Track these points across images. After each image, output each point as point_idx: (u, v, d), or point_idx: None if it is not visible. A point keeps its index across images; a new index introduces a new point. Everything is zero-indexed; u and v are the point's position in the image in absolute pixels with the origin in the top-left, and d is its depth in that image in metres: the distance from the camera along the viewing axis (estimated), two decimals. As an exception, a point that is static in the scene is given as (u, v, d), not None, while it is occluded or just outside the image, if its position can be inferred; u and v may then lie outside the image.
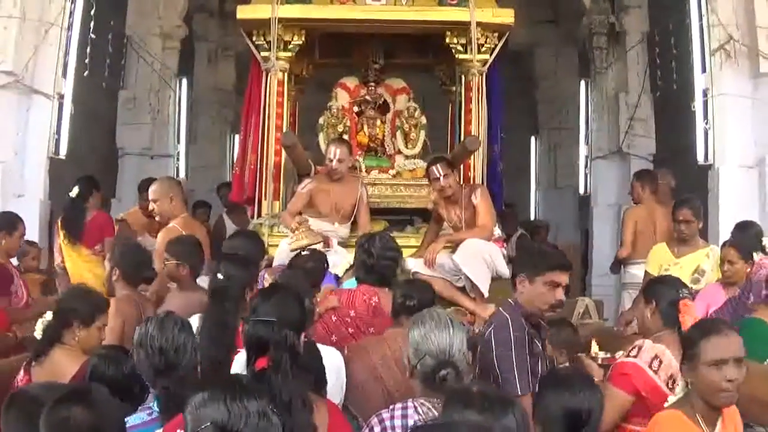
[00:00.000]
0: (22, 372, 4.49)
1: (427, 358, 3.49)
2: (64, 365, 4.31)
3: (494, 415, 2.84)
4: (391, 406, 3.50)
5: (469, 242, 6.97)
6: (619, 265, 8.64)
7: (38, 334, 4.59)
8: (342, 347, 4.72)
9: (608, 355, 4.77)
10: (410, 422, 3.36)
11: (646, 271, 7.31)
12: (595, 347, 5.63)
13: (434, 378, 3.46)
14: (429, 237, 7.52)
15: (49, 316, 4.58)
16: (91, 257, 7.56)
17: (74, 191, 7.65)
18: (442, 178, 7.09)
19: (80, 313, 4.57)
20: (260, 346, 3.26)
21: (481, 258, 6.93)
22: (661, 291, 4.40)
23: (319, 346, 4.33)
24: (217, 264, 4.81)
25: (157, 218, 7.02)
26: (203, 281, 5.60)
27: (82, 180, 7.91)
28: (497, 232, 7.36)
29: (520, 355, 4.12)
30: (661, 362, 4.14)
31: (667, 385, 4.09)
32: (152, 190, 6.94)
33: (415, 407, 3.41)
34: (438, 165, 7.14)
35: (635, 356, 4.19)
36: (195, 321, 4.46)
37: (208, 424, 2.35)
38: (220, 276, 4.63)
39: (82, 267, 7.49)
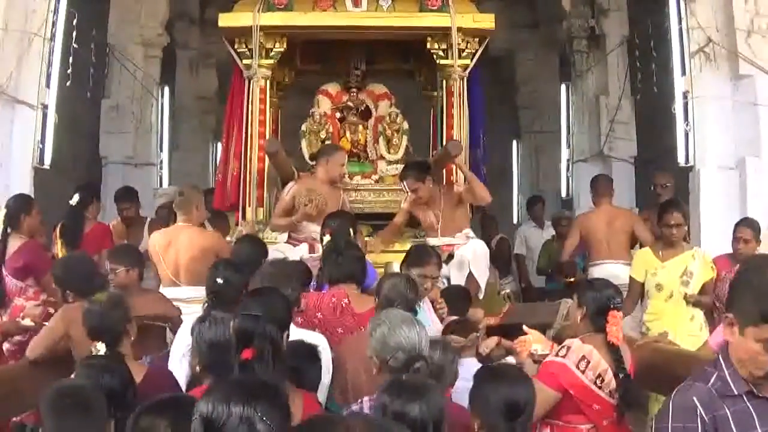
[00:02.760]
0: None
1: (399, 352, 3.65)
2: None
3: (410, 401, 3.11)
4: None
5: (475, 244, 7.41)
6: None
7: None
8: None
9: (546, 352, 4.82)
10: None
11: (631, 277, 7.36)
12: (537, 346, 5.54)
13: (407, 371, 3.59)
14: (388, 230, 7.70)
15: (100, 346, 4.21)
16: None
17: (75, 199, 7.65)
18: (409, 193, 7.50)
19: (128, 317, 4.45)
20: (246, 338, 3.47)
21: (485, 259, 7.38)
22: (592, 299, 4.52)
23: (305, 331, 4.60)
24: (215, 268, 5.01)
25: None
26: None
27: (82, 187, 7.94)
28: (470, 233, 7.63)
29: None
30: (588, 362, 4.29)
31: (595, 383, 4.27)
32: None
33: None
34: (406, 181, 7.51)
35: (563, 356, 4.34)
36: (189, 321, 4.54)
37: (197, 416, 2.48)
38: (219, 280, 4.87)
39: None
